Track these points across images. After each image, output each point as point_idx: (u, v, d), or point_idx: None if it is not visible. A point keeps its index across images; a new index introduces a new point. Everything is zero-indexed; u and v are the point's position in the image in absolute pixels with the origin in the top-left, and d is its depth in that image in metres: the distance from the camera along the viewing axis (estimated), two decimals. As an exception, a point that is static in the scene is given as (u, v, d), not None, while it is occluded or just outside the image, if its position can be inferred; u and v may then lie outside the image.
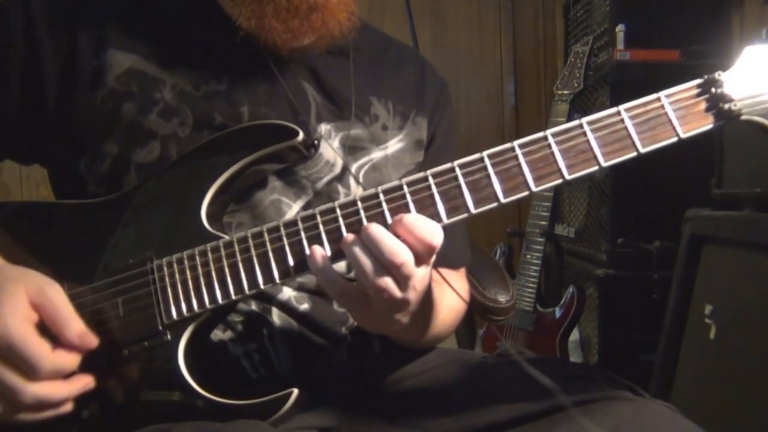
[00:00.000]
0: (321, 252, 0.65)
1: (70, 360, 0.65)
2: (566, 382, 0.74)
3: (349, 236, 0.65)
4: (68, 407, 0.66)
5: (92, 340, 0.67)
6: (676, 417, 0.69)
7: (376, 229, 0.63)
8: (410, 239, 0.62)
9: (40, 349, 0.63)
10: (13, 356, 0.62)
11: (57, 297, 0.66)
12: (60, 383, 0.65)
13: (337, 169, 0.84)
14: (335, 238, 0.67)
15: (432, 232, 0.62)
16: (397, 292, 0.62)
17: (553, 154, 0.66)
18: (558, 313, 2.13)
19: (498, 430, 0.72)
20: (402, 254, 0.61)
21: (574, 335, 2.20)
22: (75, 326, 0.66)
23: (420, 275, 0.64)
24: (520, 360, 0.72)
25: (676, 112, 0.66)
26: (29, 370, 0.63)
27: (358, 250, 0.63)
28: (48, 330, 0.65)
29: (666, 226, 1.72)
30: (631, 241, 1.92)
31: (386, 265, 0.62)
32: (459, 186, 0.66)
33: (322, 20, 0.80)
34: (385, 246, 0.61)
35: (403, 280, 0.62)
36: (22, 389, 0.62)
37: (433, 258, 0.65)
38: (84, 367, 0.67)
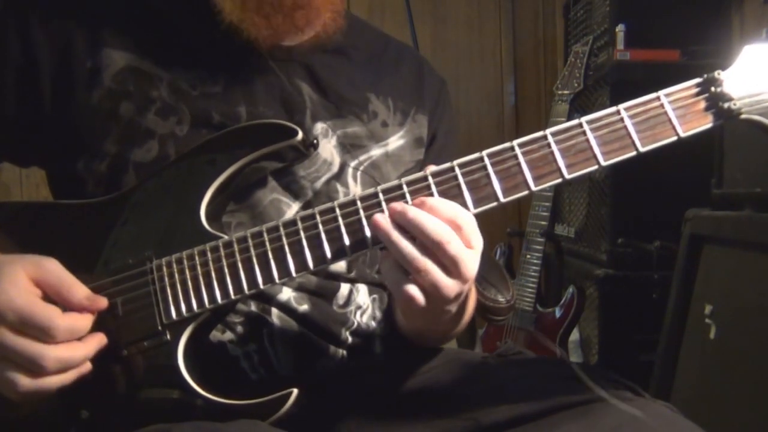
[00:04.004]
0: (384, 217, 0.64)
1: (82, 321, 0.66)
2: (566, 382, 0.74)
3: (380, 221, 0.63)
4: (88, 367, 0.66)
5: (101, 301, 0.67)
6: (676, 417, 0.69)
7: (416, 212, 0.62)
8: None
9: (50, 311, 0.63)
10: (25, 325, 0.62)
11: (55, 268, 0.66)
12: (76, 344, 0.65)
13: (335, 168, 0.84)
14: (335, 237, 0.67)
15: (456, 213, 0.62)
16: (440, 274, 0.62)
17: (552, 153, 0.66)
18: (558, 313, 2.13)
19: (498, 430, 0.72)
20: (446, 233, 0.61)
21: (574, 335, 2.20)
22: (79, 290, 0.66)
23: (470, 259, 0.63)
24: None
25: (675, 111, 0.66)
26: (45, 334, 0.63)
27: (397, 236, 0.62)
28: (53, 301, 0.65)
29: (666, 226, 1.71)
30: (631, 241, 1.92)
31: (431, 246, 0.61)
32: (458, 185, 0.66)
33: (306, 18, 0.80)
34: (428, 226, 0.61)
35: (451, 263, 0.62)
36: (43, 354, 0.62)
37: (478, 241, 0.64)
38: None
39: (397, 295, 0.63)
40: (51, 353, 0.63)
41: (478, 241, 0.64)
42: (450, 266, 0.62)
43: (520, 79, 3.07)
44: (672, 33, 2.02)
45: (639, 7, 2.06)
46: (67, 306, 0.66)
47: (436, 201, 0.64)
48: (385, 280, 0.65)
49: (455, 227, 0.62)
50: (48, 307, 0.64)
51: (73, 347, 0.65)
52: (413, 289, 0.62)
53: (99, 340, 0.67)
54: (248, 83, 0.82)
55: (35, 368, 0.63)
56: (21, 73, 0.79)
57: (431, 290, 0.62)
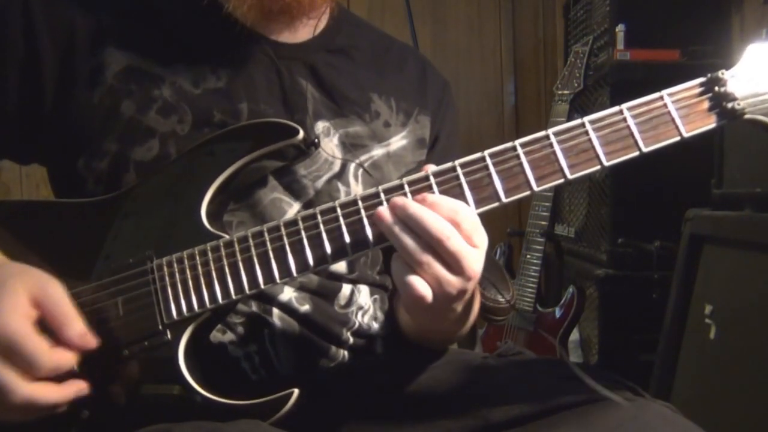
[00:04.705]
0: (387, 211, 0.64)
1: (68, 358, 0.65)
2: (566, 382, 0.74)
3: (383, 214, 0.64)
4: (61, 409, 0.65)
5: (92, 341, 0.66)
6: (676, 417, 0.69)
7: (417, 207, 0.62)
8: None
9: (39, 345, 0.62)
10: (12, 353, 0.62)
11: (58, 295, 0.65)
12: (52, 387, 0.64)
13: (336, 167, 0.84)
14: (336, 237, 0.67)
15: (456, 210, 0.62)
16: (442, 269, 0.62)
17: (554, 153, 0.66)
18: (558, 313, 2.13)
19: (498, 430, 0.72)
20: (446, 229, 0.61)
21: (574, 335, 2.20)
22: (76, 326, 0.65)
23: (473, 256, 0.63)
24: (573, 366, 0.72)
25: (678, 111, 0.66)
26: (28, 367, 0.62)
27: (399, 230, 0.63)
28: (48, 328, 0.65)
29: (666, 226, 1.71)
30: (631, 241, 1.92)
31: (431, 241, 0.61)
32: (460, 185, 0.66)
33: None
34: (429, 221, 0.61)
35: (452, 259, 0.62)
36: (14, 388, 0.61)
37: (481, 239, 0.64)
38: (83, 367, 0.67)
39: (405, 292, 0.63)
40: (21, 390, 0.61)
41: (480, 239, 0.64)
42: (451, 262, 0.62)
43: (520, 79, 3.07)
44: (672, 33, 2.02)
45: (639, 7, 2.06)
46: (58, 336, 0.64)
47: (438, 197, 0.64)
48: (393, 278, 0.65)
49: (455, 224, 0.62)
50: (38, 342, 0.63)
51: (46, 389, 0.63)
52: (423, 287, 0.62)
53: (78, 388, 0.66)
54: (251, 79, 0.82)
55: (3, 398, 0.62)
56: (23, 70, 0.78)
57: (435, 286, 0.62)
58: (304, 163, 0.82)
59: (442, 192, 0.66)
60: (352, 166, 0.85)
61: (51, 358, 0.63)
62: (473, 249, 0.63)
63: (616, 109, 0.66)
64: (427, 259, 0.62)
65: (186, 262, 0.70)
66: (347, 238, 0.67)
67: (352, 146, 0.86)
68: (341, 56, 0.90)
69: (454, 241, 0.61)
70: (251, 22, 0.81)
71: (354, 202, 0.67)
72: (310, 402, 0.69)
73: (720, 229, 1.44)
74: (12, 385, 0.61)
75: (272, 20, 0.83)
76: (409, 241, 0.62)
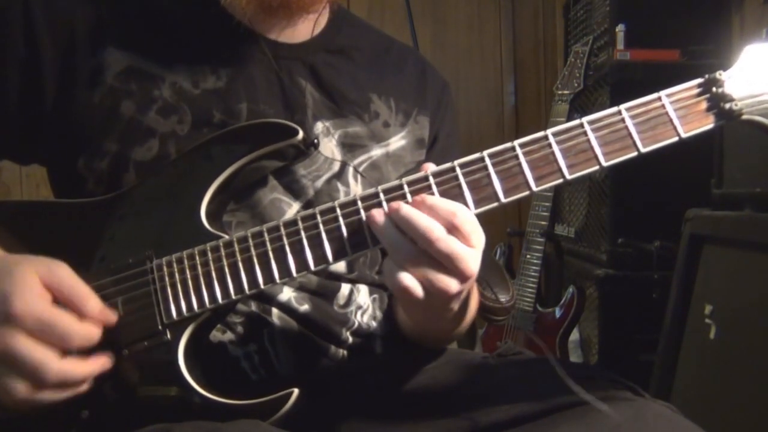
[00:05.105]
0: (380, 212, 0.64)
1: (96, 331, 0.65)
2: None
3: (375, 216, 0.64)
4: (85, 387, 0.66)
5: (112, 316, 0.67)
6: (676, 417, 0.69)
7: (408, 209, 0.63)
8: (435, 218, 0.63)
9: (69, 317, 0.63)
10: (45, 330, 0.62)
11: (68, 275, 0.66)
12: (81, 361, 0.65)
13: (336, 167, 0.84)
14: (335, 237, 0.67)
15: (454, 210, 0.63)
16: (435, 270, 0.62)
17: (553, 153, 0.66)
18: (558, 313, 2.13)
19: (498, 430, 0.72)
20: (436, 230, 0.61)
21: (574, 335, 2.20)
22: (93, 302, 0.66)
23: (469, 257, 0.63)
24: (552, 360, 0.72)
25: (676, 112, 0.66)
26: (61, 340, 0.62)
27: (388, 231, 0.63)
28: (64, 308, 0.65)
29: (666, 226, 1.71)
30: (631, 241, 1.92)
31: (421, 242, 0.61)
32: (459, 185, 0.66)
33: None
34: (418, 223, 0.62)
35: (445, 260, 0.62)
36: (48, 365, 0.62)
37: (478, 240, 0.64)
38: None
39: (393, 286, 0.63)
40: (54, 366, 0.62)
41: (478, 240, 0.64)
42: (444, 262, 0.62)
43: (520, 79, 3.07)
44: (672, 33, 2.02)
45: (639, 7, 2.06)
46: (78, 315, 0.65)
47: (436, 199, 0.64)
48: (384, 276, 0.65)
49: (452, 225, 0.62)
50: (66, 315, 0.63)
51: (76, 364, 0.64)
52: (408, 279, 0.62)
53: (103, 362, 0.66)
54: (250, 79, 0.82)
55: (36, 379, 0.62)
56: (24, 70, 0.78)
57: (428, 286, 0.62)
58: (304, 164, 0.82)
59: (441, 192, 0.66)
60: (351, 166, 0.85)
61: (83, 328, 0.64)
62: (470, 249, 0.63)
63: (614, 109, 0.66)
64: (416, 259, 0.62)
65: (186, 262, 0.70)
66: (347, 239, 0.67)
67: (351, 146, 0.86)
68: (341, 56, 0.90)
69: (444, 243, 0.61)
70: (249, 17, 0.81)
71: (353, 202, 0.67)
72: (309, 402, 0.69)
73: (720, 229, 1.44)
74: (46, 361, 0.62)
75: (271, 15, 0.82)
76: (397, 242, 0.63)
